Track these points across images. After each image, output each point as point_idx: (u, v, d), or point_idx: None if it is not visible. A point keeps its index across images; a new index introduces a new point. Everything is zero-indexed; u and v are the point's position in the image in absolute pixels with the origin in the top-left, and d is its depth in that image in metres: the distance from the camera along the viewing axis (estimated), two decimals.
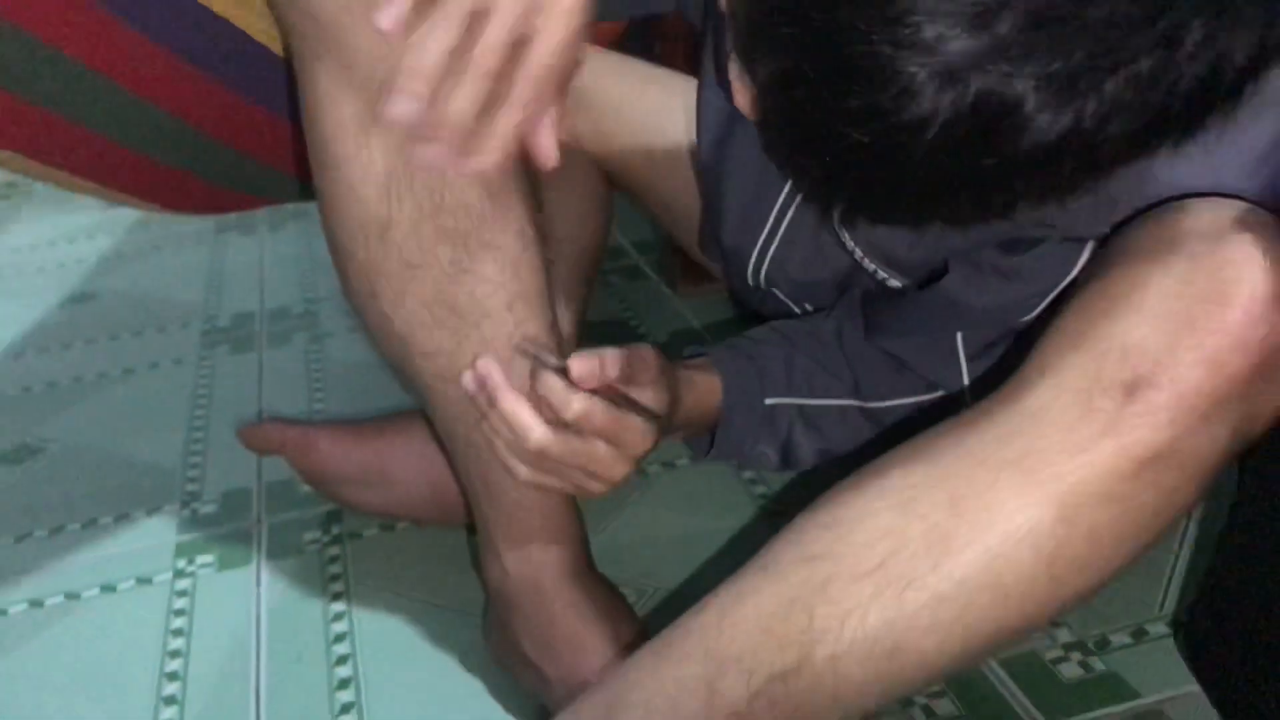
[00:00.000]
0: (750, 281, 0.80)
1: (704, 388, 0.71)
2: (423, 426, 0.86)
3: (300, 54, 0.58)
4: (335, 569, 0.85)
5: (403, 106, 0.52)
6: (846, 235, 0.73)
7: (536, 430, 0.58)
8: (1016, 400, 0.51)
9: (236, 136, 0.75)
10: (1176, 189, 0.53)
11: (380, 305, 0.62)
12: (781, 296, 0.81)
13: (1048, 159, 0.43)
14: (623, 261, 1.39)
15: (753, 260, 0.79)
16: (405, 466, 0.86)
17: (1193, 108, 0.40)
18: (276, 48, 0.69)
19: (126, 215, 1.72)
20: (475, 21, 0.51)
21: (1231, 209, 0.51)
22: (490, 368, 0.59)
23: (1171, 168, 0.52)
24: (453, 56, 0.51)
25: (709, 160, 0.79)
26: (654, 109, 0.90)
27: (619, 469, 0.61)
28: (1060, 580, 0.50)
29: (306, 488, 0.93)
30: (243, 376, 1.18)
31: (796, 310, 0.83)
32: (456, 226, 0.59)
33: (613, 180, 0.94)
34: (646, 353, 0.64)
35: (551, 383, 0.58)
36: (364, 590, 0.83)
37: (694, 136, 0.82)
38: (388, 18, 0.51)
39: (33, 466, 1.05)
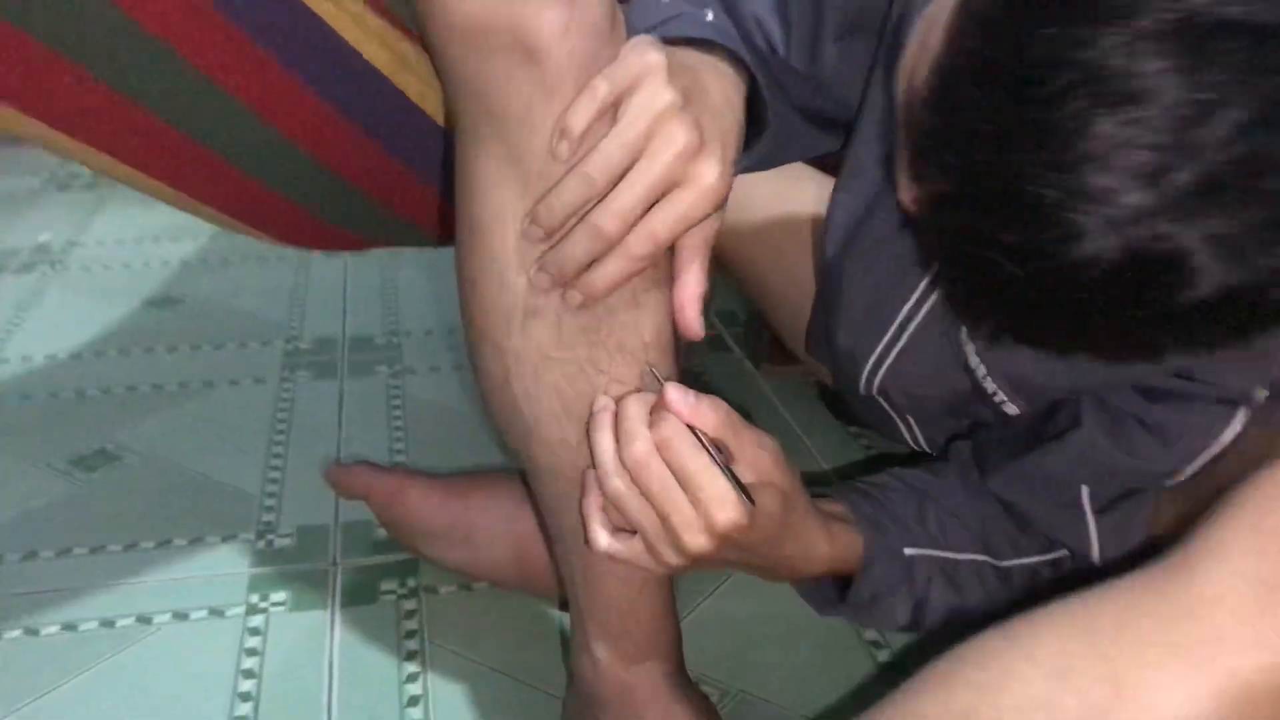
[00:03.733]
0: (861, 388, 0.79)
1: (844, 540, 0.67)
2: (511, 488, 0.85)
3: (466, 133, 0.58)
4: (411, 625, 0.84)
5: (531, 236, 0.56)
6: (972, 353, 0.71)
7: (641, 437, 0.56)
8: (1187, 581, 0.49)
9: (380, 188, 0.75)
10: None
11: (512, 390, 0.61)
12: (887, 408, 0.80)
13: (1204, 315, 0.43)
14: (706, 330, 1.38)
15: (868, 366, 0.77)
16: (492, 528, 0.85)
17: None
18: (432, 112, 0.69)
19: None
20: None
21: None
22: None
23: None
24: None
25: (833, 260, 0.78)
26: (775, 197, 0.89)
27: (694, 536, 0.56)
28: None
29: (383, 532, 0.92)
30: (323, 404, 1.19)
31: (898, 422, 0.81)
32: (598, 327, 0.59)
33: (717, 258, 0.93)
34: (765, 440, 0.60)
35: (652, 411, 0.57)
36: (440, 652, 0.82)
37: (819, 233, 0.81)
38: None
39: (109, 475, 1.05)
